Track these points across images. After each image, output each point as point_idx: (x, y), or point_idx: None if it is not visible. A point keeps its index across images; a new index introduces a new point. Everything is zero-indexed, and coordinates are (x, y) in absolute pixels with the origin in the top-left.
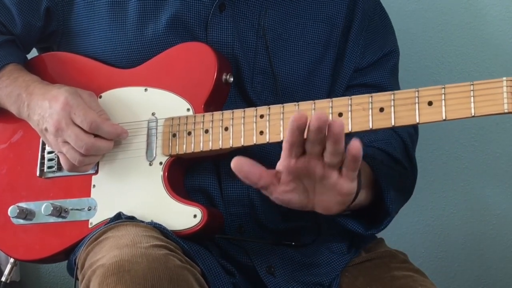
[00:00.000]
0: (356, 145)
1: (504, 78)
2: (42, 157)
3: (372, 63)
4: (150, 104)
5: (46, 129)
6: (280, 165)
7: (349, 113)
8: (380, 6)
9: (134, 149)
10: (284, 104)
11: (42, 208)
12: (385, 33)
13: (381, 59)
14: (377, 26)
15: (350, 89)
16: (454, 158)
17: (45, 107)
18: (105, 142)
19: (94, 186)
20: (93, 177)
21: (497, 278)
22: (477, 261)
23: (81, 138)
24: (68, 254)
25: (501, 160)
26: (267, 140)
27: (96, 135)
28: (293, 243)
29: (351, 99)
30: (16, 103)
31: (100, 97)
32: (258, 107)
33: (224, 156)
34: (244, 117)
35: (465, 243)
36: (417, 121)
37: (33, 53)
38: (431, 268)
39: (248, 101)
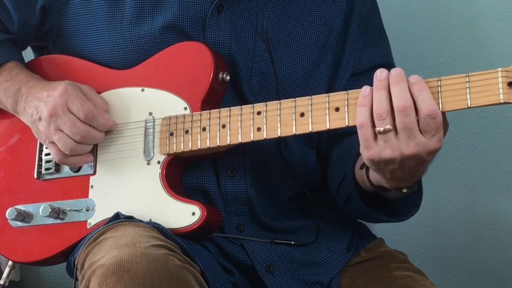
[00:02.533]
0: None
1: (499, 69)
2: (40, 159)
3: (370, 68)
4: (147, 104)
5: (39, 118)
6: None
7: (346, 107)
8: (378, 12)
9: (131, 148)
10: (281, 100)
11: (40, 210)
12: (383, 38)
13: (380, 67)
14: (375, 29)
15: None
16: (454, 158)
17: (43, 97)
18: (98, 133)
19: (92, 186)
20: (91, 177)
21: (497, 278)
22: (477, 261)
23: (77, 125)
24: (67, 255)
25: (501, 160)
26: (265, 137)
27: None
28: (292, 242)
29: (347, 93)
30: (13, 97)
31: None
32: (255, 104)
33: (222, 155)
34: (241, 114)
35: (465, 243)
36: None
37: (29, 54)
38: (431, 268)
39: (245, 102)
